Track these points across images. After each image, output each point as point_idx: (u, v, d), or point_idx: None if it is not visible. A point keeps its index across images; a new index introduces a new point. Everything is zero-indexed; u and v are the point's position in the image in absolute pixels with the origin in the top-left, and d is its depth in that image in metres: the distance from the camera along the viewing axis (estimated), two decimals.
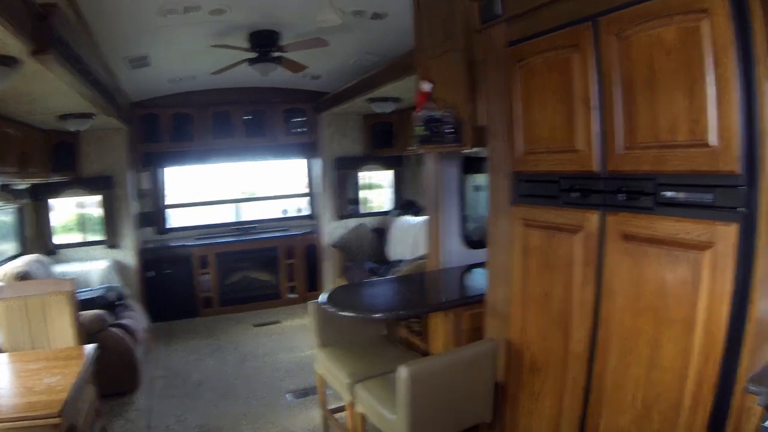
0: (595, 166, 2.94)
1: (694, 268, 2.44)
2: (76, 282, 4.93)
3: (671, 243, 2.55)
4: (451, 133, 4.16)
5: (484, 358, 3.67)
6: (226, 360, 7.39)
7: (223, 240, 9.86)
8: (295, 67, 6.97)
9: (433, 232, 5.40)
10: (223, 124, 9.61)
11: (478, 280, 4.80)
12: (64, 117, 6.43)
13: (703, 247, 2.40)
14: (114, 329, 6.22)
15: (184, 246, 9.54)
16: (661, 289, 2.60)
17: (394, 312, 4.47)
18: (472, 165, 5.50)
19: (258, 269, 10.21)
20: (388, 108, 8.18)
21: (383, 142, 9.84)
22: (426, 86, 4.50)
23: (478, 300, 4.17)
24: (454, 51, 4.22)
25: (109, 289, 7.09)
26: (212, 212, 10.77)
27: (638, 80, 2.65)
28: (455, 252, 5.44)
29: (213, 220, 10.66)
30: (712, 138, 2.33)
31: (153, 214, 9.93)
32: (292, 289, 10.15)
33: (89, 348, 4.23)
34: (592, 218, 2.97)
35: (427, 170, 5.46)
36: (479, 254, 5.25)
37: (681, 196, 2.52)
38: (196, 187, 10.73)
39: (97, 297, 6.66)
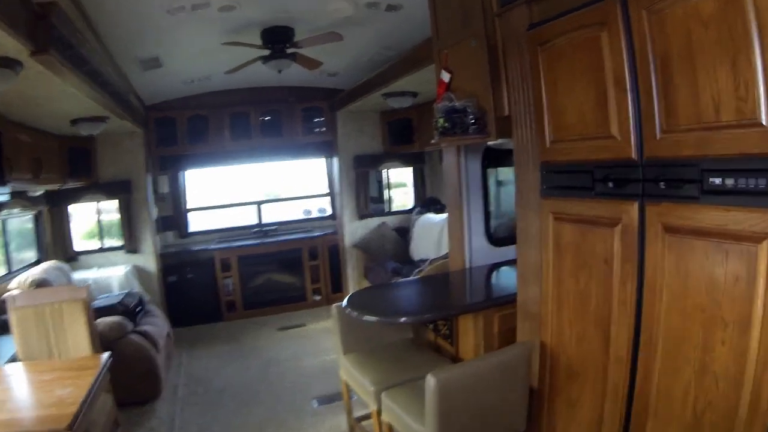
0: (632, 152, 2.68)
1: (749, 263, 2.18)
2: (90, 289, 4.79)
3: (720, 234, 2.29)
4: (473, 124, 3.97)
5: (517, 364, 3.43)
6: (249, 365, 7.21)
7: (245, 243, 9.71)
8: (311, 63, 6.78)
9: (456, 230, 5.19)
10: (240, 125, 9.44)
11: (507, 279, 4.67)
12: (76, 121, 6.34)
13: (757, 238, 2.15)
14: (134, 336, 6.08)
15: (205, 250, 9.43)
16: (711, 286, 2.34)
17: (420, 315, 4.26)
18: (494, 158, 5.28)
19: (281, 271, 10.04)
20: (406, 103, 7.95)
21: (402, 139, 9.59)
22: (445, 76, 4.31)
23: (509, 300, 3.95)
24: (472, 38, 4.03)
25: (129, 295, 6.91)
26: (233, 215, 10.67)
27: (675, 57, 2.40)
28: (479, 250, 5.23)
29: (234, 223, 10.53)
30: (763, 116, 2.08)
31: (173, 218, 9.88)
32: (317, 291, 9.96)
33: (104, 357, 4.15)
34: (631, 210, 2.72)
35: (447, 165, 5.23)
36: (504, 252, 5.20)
37: (729, 182, 2.25)
38: (217, 190, 10.65)
39: (117, 303, 6.47)
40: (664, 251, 2.56)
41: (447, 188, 5.35)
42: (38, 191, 6.90)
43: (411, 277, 6.06)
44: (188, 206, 10.09)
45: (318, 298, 9.91)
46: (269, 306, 9.68)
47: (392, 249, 9.37)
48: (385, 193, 10.60)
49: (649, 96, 2.55)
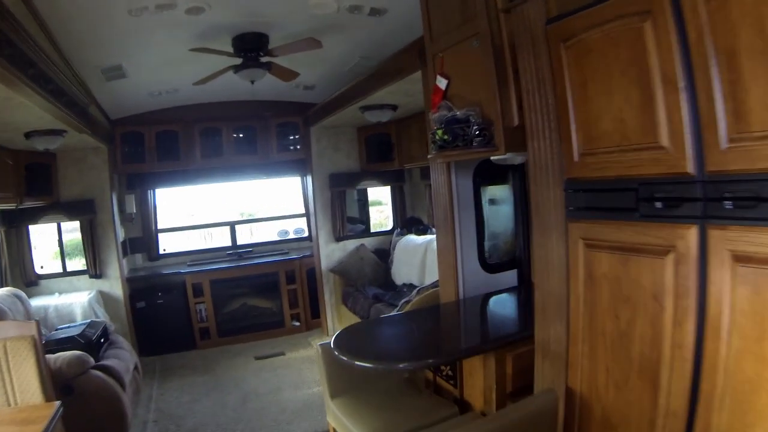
0: (688, 165, 2.20)
1: None
2: (38, 324, 4.16)
3: None
4: (478, 135, 3.50)
5: (542, 418, 2.91)
6: (225, 400, 6.72)
7: (218, 266, 9.24)
8: (286, 74, 6.34)
9: (447, 256, 4.76)
10: (212, 141, 9.00)
11: (509, 311, 4.46)
12: (30, 134, 5.94)
13: None
14: (96, 372, 5.49)
15: (177, 273, 8.96)
16: None
17: (423, 360, 3.71)
18: (487, 175, 4.91)
19: (257, 296, 9.59)
20: (384, 117, 7.37)
21: (381, 156, 9.07)
22: (441, 83, 3.86)
23: (522, 338, 3.54)
24: (474, 38, 3.57)
25: (91, 325, 6.37)
26: (206, 236, 10.35)
27: (743, 50, 1.95)
28: (473, 278, 4.81)
29: (208, 245, 10.20)
30: None
31: (143, 240, 9.46)
32: (296, 317, 9.46)
33: (55, 405, 3.58)
34: (687, 235, 2.24)
35: (436, 183, 4.79)
36: (499, 279, 4.98)
37: None
38: (189, 210, 10.29)
39: (77, 335, 5.95)
40: (734, 284, 2.08)
41: (436, 209, 4.89)
42: None
43: (398, 311, 5.54)
44: (158, 227, 9.68)
45: (297, 324, 9.42)
46: (245, 333, 9.21)
47: (372, 273, 8.85)
48: (364, 211, 10.24)
49: (710, 97, 2.08)
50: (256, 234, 10.54)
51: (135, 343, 8.04)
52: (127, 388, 5.84)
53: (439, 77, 3.88)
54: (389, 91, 6.16)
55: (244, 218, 10.51)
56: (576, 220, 2.82)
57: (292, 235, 10.33)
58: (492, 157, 3.75)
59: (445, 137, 3.62)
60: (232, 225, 10.17)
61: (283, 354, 8.32)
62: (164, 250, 9.75)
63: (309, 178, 9.36)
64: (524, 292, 5.03)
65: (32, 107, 4.57)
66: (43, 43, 4.51)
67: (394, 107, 7.21)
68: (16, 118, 5.08)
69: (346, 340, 3.86)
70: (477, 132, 3.48)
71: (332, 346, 3.70)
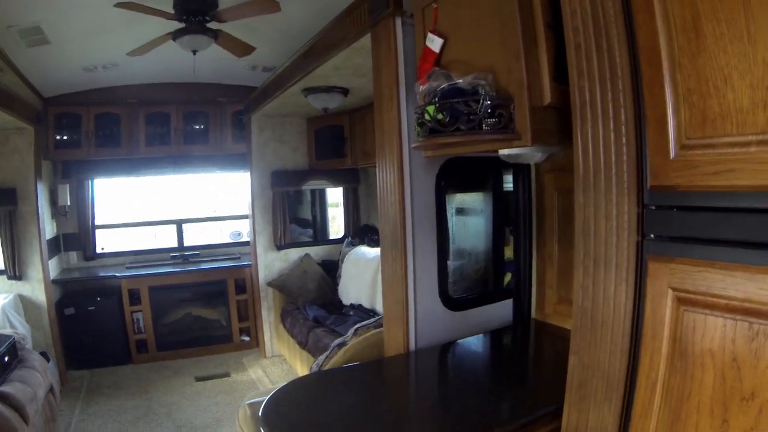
0: None
1: None
2: None
3: None
4: (490, 115, 2.47)
5: None
6: None
7: (158, 270, 8.28)
8: (238, 47, 5.51)
9: (395, 287, 3.65)
10: (159, 128, 8.10)
11: (487, 373, 3.47)
12: None
13: None
14: None
15: (113, 277, 7.95)
16: None
17: None
18: (454, 177, 3.87)
19: (203, 306, 8.59)
20: (332, 102, 6.13)
21: (332, 152, 8.00)
22: (434, 43, 2.86)
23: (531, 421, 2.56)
24: None
25: None
26: (150, 235, 9.34)
27: None
28: (431, 318, 3.71)
29: (151, 245, 9.18)
30: None
31: (78, 236, 8.45)
32: (245, 331, 8.44)
33: None
34: None
35: (383, 187, 3.72)
36: (466, 319, 3.90)
37: None
38: (131, 205, 9.30)
39: None
40: None
41: (383, 223, 3.77)
42: None
43: (326, 357, 4.47)
44: (96, 223, 8.69)
45: (246, 339, 8.40)
46: (188, 347, 8.21)
47: (316, 289, 7.73)
48: (323, 216, 9.29)
49: None
50: (205, 235, 9.61)
51: (61, 355, 7.12)
52: (31, 420, 4.79)
53: (430, 36, 2.88)
54: (335, 68, 5.01)
55: (192, 218, 9.55)
56: (664, 258, 1.76)
57: (245, 238, 9.37)
58: (502, 152, 2.72)
59: (440, 116, 2.60)
60: (178, 223, 9.25)
61: (227, 375, 7.36)
62: (102, 249, 8.78)
63: (248, 175, 8.26)
64: (522, 334, 4.05)
65: None
66: None
67: (344, 91, 6.11)
68: None
69: (279, 414, 2.76)
70: (489, 109, 2.45)
71: (261, 421, 2.60)
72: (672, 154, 1.71)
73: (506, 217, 4.35)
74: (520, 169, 4.06)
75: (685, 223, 1.72)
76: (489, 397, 3.01)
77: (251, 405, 3.21)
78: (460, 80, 2.57)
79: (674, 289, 1.71)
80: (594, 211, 1.95)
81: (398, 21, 3.39)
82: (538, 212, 4.02)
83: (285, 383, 3.19)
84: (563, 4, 2.03)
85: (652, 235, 1.80)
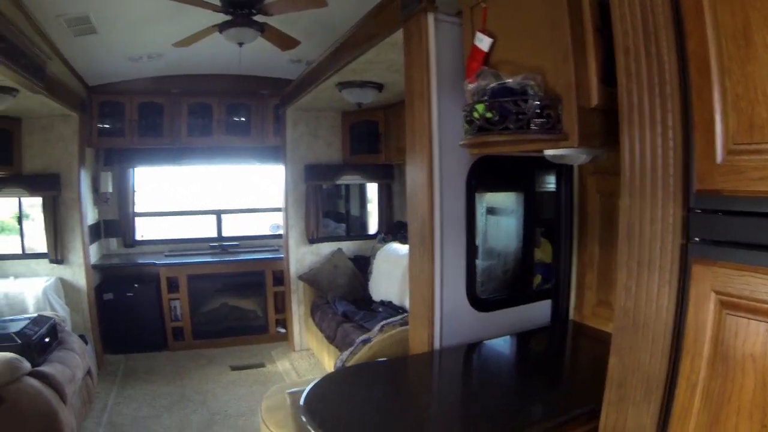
0: None
1: None
2: None
3: None
4: (539, 115, 2.50)
5: None
6: (189, 419, 5.75)
7: (198, 260, 8.34)
8: (284, 41, 5.51)
9: (422, 286, 3.63)
10: (201, 118, 8.12)
11: (515, 374, 3.48)
12: None
13: None
14: (31, 381, 4.56)
15: (152, 264, 8.04)
16: None
17: None
18: (487, 176, 3.81)
19: (240, 296, 8.63)
20: (366, 97, 6.12)
21: (367, 147, 7.95)
22: (483, 42, 2.88)
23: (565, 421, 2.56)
24: None
25: (36, 321, 5.38)
26: (190, 224, 9.40)
27: None
28: (457, 318, 3.68)
29: (190, 234, 9.27)
30: None
31: (118, 223, 8.55)
32: (281, 323, 8.44)
33: None
34: None
35: (413, 184, 3.71)
36: (494, 320, 3.84)
37: None
38: (171, 194, 9.43)
39: (16, 333, 4.98)
40: None
41: (411, 220, 3.78)
42: None
43: (350, 353, 4.45)
44: (136, 210, 8.79)
45: (283, 330, 8.40)
46: (223, 337, 8.25)
47: (346, 284, 7.68)
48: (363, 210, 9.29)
49: None
50: (245, 226, 9.62)
51: (99, 339, 7.20)
52: (69, 401, 4.91)
53: (479, 35, 2.90)
54: (368, 62, 4.97)
55: (232, 209, 9.58)
56: (708, 261, 1.77)
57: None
58: (547, 153, 2.73)
59: (489, 115, 2.62)
60: (218, 214, 9.30)
61: (262, 366, 7.39)
62: (142, 236, 8.89)
63: (283, 169, 8.22)
64: (559, 336, 4.03)
65: None
66: None
67: (379, 86, 6.08)
68: None
69: (321, 406, 2.81)
70: (538, 110, 2.47)
71: (303, 412, 2.66)
72: (719, 159, 1.71)
73: (538, 218, 4.32)
74: (562, 171, 4.02)
75: (729, 227, 1.73)
76: (521, 396, 3.01)
77: (291, 394, 3.26)
78: (510, 80, 2.58)
79: (717, 293, 1.72)
80: (639, 213, 1.97)
81: (430, 17, 3.37)
82: (580, 214, 4.00)
83: (323, 375, 3.23)
84: (613, 9, 2.04)
85: (696, 239, 1.81)
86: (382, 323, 4.64)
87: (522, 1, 2.73)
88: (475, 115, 2.70)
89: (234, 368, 7.26)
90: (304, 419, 2.60)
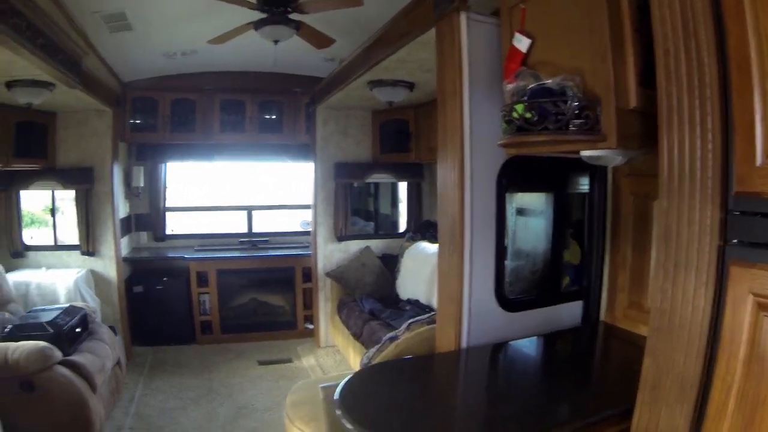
0: None
1: None
2: None
3: None
4: (577, 116, 2.50)
5: None
6: (216, 412, 5.80)
7: (227, 255, 8.38)
8: (319, 39, 5.51)
9: (450, 284, 3.62)
10: (233, 115, 8.17)
11: (540, 374, 3.46)
12: (12, 85, 5.12)
13: None
14: (62, 369, 4.65)
15: (182, 258, 8.11)
16: None
17: None
18: (518, 176, 3.78)
19: (269, 292, 8.68)
20: (398, 96, 6.08)
21: (397, 146, 7.85)
22: (522, 43, 2.86)
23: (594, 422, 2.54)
24: None
25: (67, 311, 5.43)
26: (220, 220, 9.51)
27: None
28: (485, 318, 3.65)
29: (220, 230, 9.38)
30: None
31: (149, 217, 8.67)
32: (310, 319, 8.43)
33: None
34: None
35: (444, 183, 3.69)
36: (520, 320, 3.81)
37: None
38: (202, 189, 9.53)
39: (48, 322, 5.04)
40: None
41: (441, 218, 3.76)
42: None
43: (377, 350, 4.33)
44: (167, 205, 8.88)
45: (311, 327, 8.39)
46: (252, 331, 8.29)
47: (373, 282, 7.66)
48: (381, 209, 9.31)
49: None
50: (275, 222, 9.66)
51: (127, 330, 7.29)
52: (99, 390, 5.00)
53: (517, 36, 2.88)
54: (400, 61, 5.00)
55: (263, 205, 9.63)
56: (746, 263, 1.78)
57: None
58: (584, 153, 2.73)
59: (528, 115, 2.61)
60: (249, 210, 9.35)
61: (290, 361, 7.42)
62: (172, 230, 8.99)
63: (313, 166, 8.21)
64: (589, 337, 4.01)
65: None
66: None
67: (410, 85, 6.03)
68: None
69: (357, 401, 2.84)
70: (577, 110, 2.48)
71: (338, 405, 2.70)
72: (759, 161, 1.72)
73: (568, 219, 4.31)
74: (595, 172, 4.00)
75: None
76: (550, 396, 2.98)
77: (325, 388, 3.24)
78: (549, 80, 2.59)
79: (755, 295, 1.73)
80: (677, 215, 1.97)
81: (463, 16, 3.36)
82: (613, 215, 3.97)
83: (353, 371, 3.26)
84: (653, 10, 2.05)
85: (734, 241, 1.81)
86: (409, 321, 4.59)
87: (561, 2, 2.73)
88: (515, 115, 2.70)
89: (261, 363, 7.29)
90: (339, 413, 2.62)
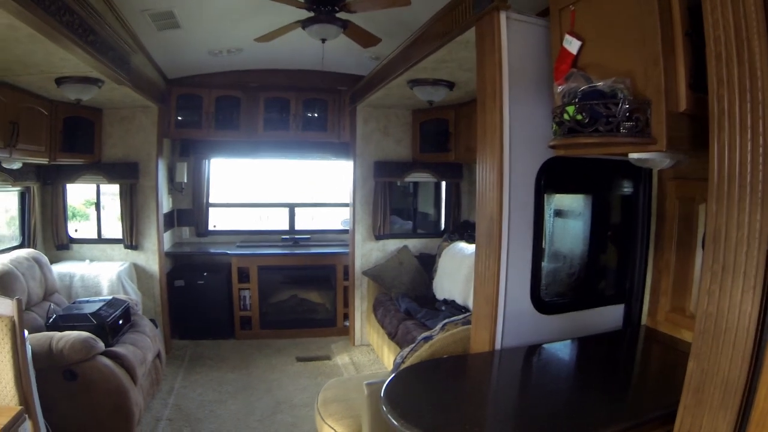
0: None
1: None
2: (20, 303, 3.49)
3: None
4: (628, 119, 2.50)
5: None
6: (253, 406, 5.86)
7: (269, 251, 8.42)
8: (365, 38, 5.55)
9: (486, 286, 3.59)
10: (277, 112, 8.21)
11: (574, 378, 3.39)
12: (61, 81, 5.17)
13: None
14: (104, 360, 4.77)
15: (223, 254, 8.21)
16: None
17: None
18: (555, 177, 3.73)
19: (309, 289, 8.77)
20: (438, 95, 6.00)
21: (437, 146, 7.74)
22: (572, 45, 2.87)
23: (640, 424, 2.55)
24: None
25: (110, 303, 5.56)
26: (262, 217, 9.69)
27: None
28: (520, 320, 3.63)
29: (262, 226, 9.53)
30: None
31: (192, 213, 8.81)
32: (349, 317, 8.41)
33: (15, 412, 3.21)
34: None
35: (483, 184, 3.64)
36: (557, 323, 3.78)
37: None
38: (245, 186, 9.58)
39: (92, 314, 5.18)
40: None
41: (479, 219, 3.72)
42: (15, 164, 5.69)
43: (411, 351, 4.18)
44: (210, 201, 8.99)
45: (349, 324, 8.38)
46: (291, 328, 8.35)
47: (410, 282, 7.67)
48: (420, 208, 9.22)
49: None
50: (317, 220, 9.73)
51: (168, 324, 7.42)
52: (139, 381, 5.12)
53: (568, 38, 2.90)
54: (440, 60, 4.95)
55: (305, 202, 9.67)
56: None
57: None
58: (632, 156, 2.72)
59: (579, 117, 2.62)
60: (291, 207, 9.39)
61: (328, 359, 7.45)
62: (214, 226, 9.08)
63: (352, 164, 8.23)
64: (630, 340, 3.96)
65: (44, 42, 3.80)
66: None
67: (450, 84, 5.94)
68: (36, 57, 4.33)
69: (403, 398, 2.85)
70: (627, 113, 2.48)
71: (384, 401, 2.74)
72: None
73: (608, 222, 4.27)
74: (639, 175, 3.96)
75: None
76: (588, 399, 2.97)
77: (369, 385, 3.25)
78: (600, 83, 2.60)
79: None
80: (726, 218, 1.96)
81: (503, 16, 3.34)
82: (658, 218, 3.92)
83: (392, 370, 3.28)
84: (705, 14, 2.04)
85: None
86: (444, 321, 4.47)
87: (611, 4, 2.72)
88: (566, 117, 2.71)
89: (300, 359, 7.33)
90: (385, 409, 2.66)
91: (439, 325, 4.29)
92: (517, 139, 3.43)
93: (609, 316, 4.10)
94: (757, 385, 1.87)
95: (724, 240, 1.97)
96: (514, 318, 3.56)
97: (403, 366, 3.76)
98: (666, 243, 3.84)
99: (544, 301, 3.75)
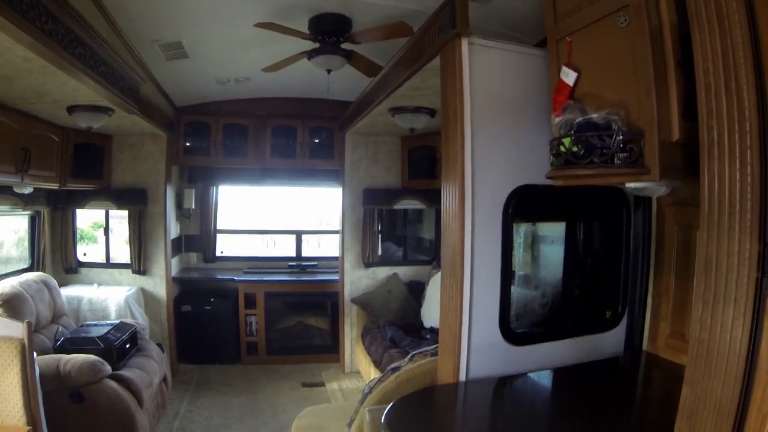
0: None
1: None
2: (30, 326, 3.58)
3: None
4: (622, 150, 2.53)
5: None
6: (259, 431, 5.91)
7: (275, 278, 8.46)
8: (369, 67, 5.61)
9: (450, 314, 3.53)
10: (284, 140, 8.30)
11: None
12: (73, 110, 5.23)
13: None
14: (111, 383, 4.82)
15: (230, 280, 8.25)
16: None
17: None
18: (527, 205, 3.69)
19: (316, 315, 8.75)
20: (419, 123, 6.01)
21: (425, 172, 7.78)
22: (569, 76, 2.89)
23: None
24: (623, 11, 2.63)
25: (118, 327, 5.62)
26: (269, 243, 9.67)
27: None
28: (487, 351, 3.52)
29: (269, 253, 9.53)
30: None
31: (199, 238, 8.87)
32: None
33: None
34: None
35: (447, 213, 3.63)
36: (528, 355, 3.64)
37: None
38: (252, 213, 9.67)
39: (99, 337, 5.23)
40: None
41: (443, 248, 3.68)
42: (26, 189, 5.74)
43: (377, 382, 4.11)
44: (217, 227, 9.06)
45: (339, 351, 8.33)
46: (296, 354, 8.40)
47: (399, 309, 7.59)
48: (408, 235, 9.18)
49: None
50: (323, 247, 9.77)
51: (174, 348, 7.45)
52: (145, 404, 5.17)
53: (565, 69, 2.92)
54: (415, 88, 4.88)
55: (311, 230, 9.78)
56: None
57: None
58: (628, 185, 2.76)
59: (575, 149, 2.66)
60: (298, 234, 9.45)
61: (322, 385, 7.52)
62: (221, 252, 9.15)
63: (341, 192, 8.19)
64: (632, 366, 3.95)
65: (57, 73, 3.86)
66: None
67: (431, 111, 5.91)
68: (48, 86, 4.38)
69: (400, 422, 2.89)
70: (621, 144, 2.52)
71: (384, 426, 2.76)
72: None
73: (587, 249, 4.23)
74: (624, 201, 3.91)
75: None
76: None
77: (371, 411, 3.25)
78: (595, 114, 2.63)
79: None
80: (717, 246, 1.98)
81: (464, 42, 3.33)
82: (657, 244, 3.91)
83: (399, 397, 3.25)
84: (695, 46, 2.07)
85: None
86: (413, 353, 4.35)
87: (605, 35, 2.74)
88: (562, 149, 2.74)
89: (305, 385, 7.37)
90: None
91: (408, 357, 4.20)
92: (483, 167, 3.40)
93: (611, 341, 4.03)
94: (748, 408, 1.90)
95: (716, 268, 1.99)
96: (480, 350, 3.49)
97: (370, 396, 3.75)
98: (665, 268, 3.84)
99: (515, 332, 3.67)
